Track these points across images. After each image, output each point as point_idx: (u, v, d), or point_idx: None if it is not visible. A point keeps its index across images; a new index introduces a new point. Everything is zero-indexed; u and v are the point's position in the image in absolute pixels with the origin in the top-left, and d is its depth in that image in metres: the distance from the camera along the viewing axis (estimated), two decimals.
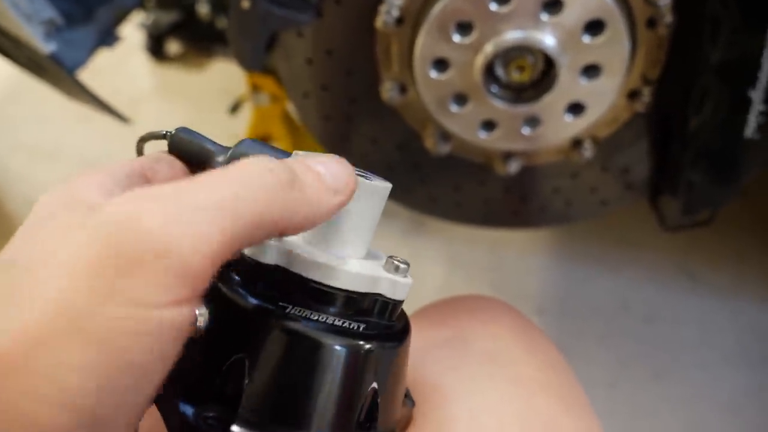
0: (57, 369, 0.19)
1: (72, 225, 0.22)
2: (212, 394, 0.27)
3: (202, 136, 0.30)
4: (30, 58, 0.74)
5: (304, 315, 0.28)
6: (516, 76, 0.58)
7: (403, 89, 0.62)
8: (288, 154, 0.30)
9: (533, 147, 0.63)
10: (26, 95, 1.39)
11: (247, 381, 0.27)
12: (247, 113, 1.22)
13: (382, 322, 0.30)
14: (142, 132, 0.33)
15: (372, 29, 0.58)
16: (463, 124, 0.61)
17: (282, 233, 0.24)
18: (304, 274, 0.28)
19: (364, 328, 0.29)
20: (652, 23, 0.56)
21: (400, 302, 0.31)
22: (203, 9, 1.31)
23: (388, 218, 1.13)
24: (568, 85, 0.57)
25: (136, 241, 0.20)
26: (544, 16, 0.54)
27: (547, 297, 1.09)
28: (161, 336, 0.20)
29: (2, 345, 0.19)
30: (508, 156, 0.64)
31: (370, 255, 0.32)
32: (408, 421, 0.35)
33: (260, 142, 0.30)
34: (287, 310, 0.28)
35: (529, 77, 0.58)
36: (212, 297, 0.25)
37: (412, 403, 0.35)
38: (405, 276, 0.31)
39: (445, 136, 0.64)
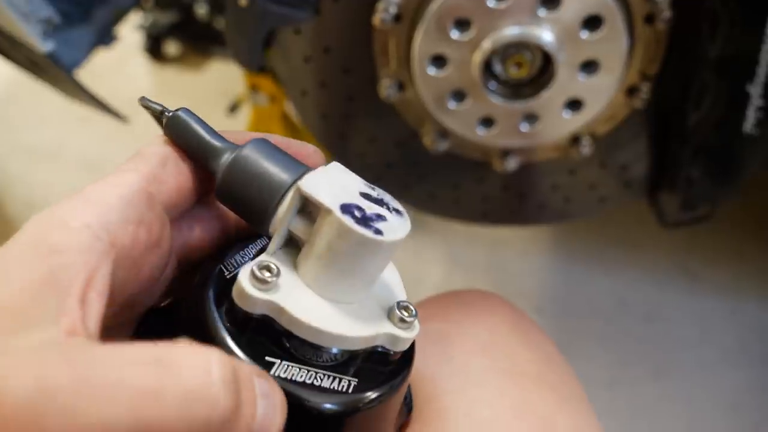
0: None
1: None
2: None
3: (203, 123, 0.29)
4: (28, 57, 0.74)
5: (289, 373, 0.26)
6: (514, 73, 0.57)
7: (401, 86, 0.61)
8: (299, 165, 0.28)
9: (531, 144, 0.63)
10: (25, 96, 1.39)
11: None
12: (245, 113, 1.22)
13: (380, 369, 0.29)
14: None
15: (370, 27, 0.58)
16: (461, 121, 0.61)
17: None
18: (295, 332, 0.26)
19: (355, 385, 0.27)
20: (650, 19, 0.55)
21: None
22: (201, 9, 1.31)
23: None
24: (566, 81, 0.57)
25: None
26: (542, 12, 0.54)
27: (546, 296, 1.09)
28: None
29: None
30: (506, 153, 0.64)
31: (376, 294, 0.29)
32: (404, 424, 0.35)
33: (271, 145, 0.28)
34: (273, 368, 0.26)
35: (527, 73, 0.58)
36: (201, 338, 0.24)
37: (409, 410, 0.35)
38: (410, 329, 0.29)
39: (444, 133, 0.64)
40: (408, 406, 0.34)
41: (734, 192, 0.59)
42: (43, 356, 0.19)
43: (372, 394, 0.27)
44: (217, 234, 0.30)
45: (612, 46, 0.56)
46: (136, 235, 0.25)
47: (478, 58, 0.56)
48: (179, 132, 0.28)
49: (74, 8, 0.71)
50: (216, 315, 0.26)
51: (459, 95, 0.60)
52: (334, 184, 0.27)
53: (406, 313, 0.28)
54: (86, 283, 0.22)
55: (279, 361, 0.26)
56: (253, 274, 0.25)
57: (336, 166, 0.29)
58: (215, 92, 1.38)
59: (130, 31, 1.39)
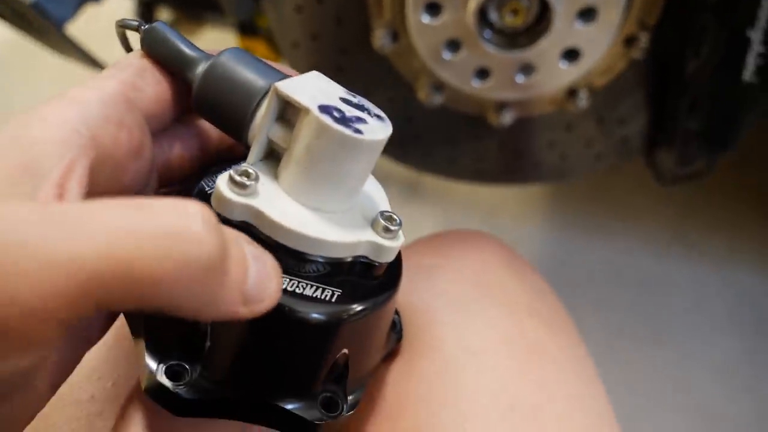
0: None
1: None
2: (177, 349, 0.26)
3: (180, 36, 0.28)
4: (15, 10, 0.72)
5: None
6: (510, 20, 0.56)
7: (395, 37, 0.60)
8: (277, 73, 0.27)
9: (528, 96, 0.62)
10: (18, 61, 1.37)
11: (208, 343, 0.25)
12: None
13: (364, 282, 0.28)
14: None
15: None
16: (456, 72, 0.60)
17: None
18: (274, 237, 0.25)
19: (339, 296, 0.26)
20: None
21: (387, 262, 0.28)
22: None
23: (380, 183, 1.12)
24: (563, 29, 0.56)
25: None
26: None
27: (542, 264, 1.09)
28: None
29: None
30: (502, 106, 0.63)
31: (360, 204, 0.29)
32: (394, 352, 0.34)
33: (249, 54, 0.28)
34: None
35: (523, 21, 0.56)
36: None
37: (399, 337, 0.34)
38: (394, 238, 0.28)
39: (438, 86, 0.62)
40: (398, 334, 0.34)
41: (732, 145, 0.59)
42: (12, 201, 0.18)
43: (357, 306, 0.26)
44: (197, 153, 0.29)
45: None
46: (117, 136, 0.24)
47: (473, 4, 0.55)
48: (156, 44, 0.28)
49: None
50: None
51: (454, 45, 0.58)
52: (313, 87, 0.27)
53: (389, 222, 0.28)
54: (65, 171, 0.21)
55: None
56: (231, 178, 0.25)
57: (316, 74, 0.28)
58: None
59: None
